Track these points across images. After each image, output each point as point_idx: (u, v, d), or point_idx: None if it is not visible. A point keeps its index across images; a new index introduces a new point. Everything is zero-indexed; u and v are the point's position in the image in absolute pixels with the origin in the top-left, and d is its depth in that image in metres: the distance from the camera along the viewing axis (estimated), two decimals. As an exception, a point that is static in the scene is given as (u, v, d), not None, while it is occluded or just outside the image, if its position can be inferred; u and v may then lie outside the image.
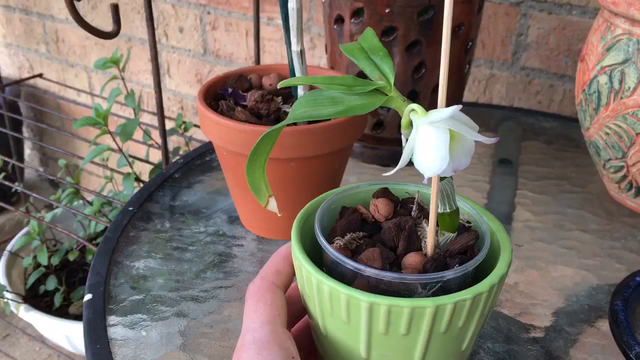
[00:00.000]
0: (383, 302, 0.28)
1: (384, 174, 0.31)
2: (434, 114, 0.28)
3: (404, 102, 0.31)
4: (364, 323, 0.29)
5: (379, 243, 0.32)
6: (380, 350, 0.30)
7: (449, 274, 0.29)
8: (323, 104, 0.31)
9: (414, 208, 0.34)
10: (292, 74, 0.51)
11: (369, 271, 0.29)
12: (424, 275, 0.29)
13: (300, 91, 0.52)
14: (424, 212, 0.34)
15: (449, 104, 0.28)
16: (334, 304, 0.29)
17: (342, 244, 0.31)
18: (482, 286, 0.29)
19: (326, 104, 0.31)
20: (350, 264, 0.29)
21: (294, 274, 0.34)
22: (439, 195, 0.31)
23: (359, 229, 0.33)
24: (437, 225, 0.32)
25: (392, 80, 0.31)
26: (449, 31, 0.28)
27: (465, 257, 0.32)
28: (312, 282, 0.30)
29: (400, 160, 0.29)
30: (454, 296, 0.28)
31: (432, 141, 0.28)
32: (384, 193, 0.35)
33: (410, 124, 0.30)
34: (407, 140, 0.31)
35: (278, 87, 0.32)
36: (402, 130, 0.31)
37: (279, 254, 0.35)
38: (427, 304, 0.28)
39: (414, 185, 0.36)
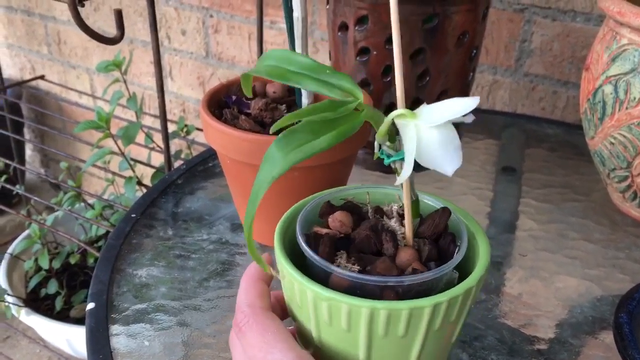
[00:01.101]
0: (427, 304, 0.29)
1: (396, 183, 0.31)
2: (429, 114, 0.29)
3: (374, 112, 0.31)
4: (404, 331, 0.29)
5: (359, 253, 0.32)
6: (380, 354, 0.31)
7: (458, 257, 0.31)
8: (306, 139, 0.29)
9: (369, 210, 0.35)
10: (296, 83, 0.51)
11: (410, 279, 0.29)
12: (446, 265, 0.31)
13: (305, 99, 0.52)
14: (376, 211, 0.35)
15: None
16: (377, 323, 0.29)
17: (358, 267, 0.31)
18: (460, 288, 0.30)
19: (308, 137, 0.29)
20: (391, 280, 0.29)
21: (268, 291, 0.34)
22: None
23: (337, 248, 0.33)
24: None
25: (360, 95, 0.31)
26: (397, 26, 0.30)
27: (447, 233, 0.34)
28: (338, 308, 0.29)
29: (406, 167, 0.29)
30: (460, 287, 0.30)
31: (442, 139, 0.28)
32: (332, 207, 0.35)
33: (389, 131, 0.31)
34: (385, 148, 0.32)
35: (270, 133, 0.31)
36: (379, 138, 0.31)
37: (253, 276, 0.34)
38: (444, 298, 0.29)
39: (355, 188, 0.37)
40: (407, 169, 0.29)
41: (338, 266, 0.31)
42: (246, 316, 0.32)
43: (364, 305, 0.28)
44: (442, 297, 0.29)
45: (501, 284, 0.51)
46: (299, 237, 0.32)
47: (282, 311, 0.36)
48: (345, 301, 0.29)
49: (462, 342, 0.45)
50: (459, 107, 0.28)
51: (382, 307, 0.28)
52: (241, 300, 0.33)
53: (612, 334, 0.45)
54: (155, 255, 0.54)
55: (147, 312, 0.48)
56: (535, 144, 0.76)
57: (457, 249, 0.33)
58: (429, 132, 0.28)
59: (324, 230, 0.33)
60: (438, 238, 0.33)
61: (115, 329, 0.46)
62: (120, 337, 0.45)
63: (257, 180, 0.29)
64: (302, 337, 0.34)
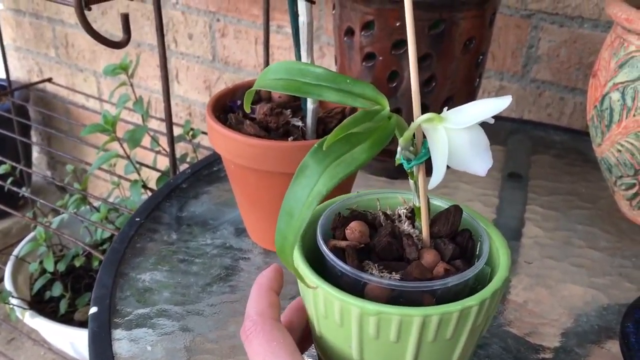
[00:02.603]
0: (475, 303, 0.29)
1: (429, 187, 0.30)
2: (458, 117, 0.29)
3: (399, 118, 0.30)
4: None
5: (383, 261, 0.32)
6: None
7: (486, 250, 0.32)
8: (343, 150, 0.28)
9: (381, 216, 0.34)
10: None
11: (453, 280, 0.29)
12: (481, 260, 0.31)
13: (310, 104, 0.52)
14: (386, 216, 0.35)
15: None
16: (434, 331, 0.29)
17: (398, 276, 0.30)
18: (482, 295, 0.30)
19: (345, 147, 0.28)
20: (436, 283, 0.29)
21: (278, 301, 0.34)
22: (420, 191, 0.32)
23: (359, 259, 0.32)
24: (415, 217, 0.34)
25: (386, 102, 0.30)
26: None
27: (463, 230, 0.34)
28: (388, 320, 0.28)
29: (439, 170, 0.29)
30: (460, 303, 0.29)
31: (472, 140, 0.29)
32: (343, 218, 0.34)
33: (414, 136, 0.31)
34: (405, 152, 0.31)
35: (324, 148, 0.28)
36: (403, 143, 0.31)
37: (264, 286, 0.34)
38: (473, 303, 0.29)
39: (363, 195, 0.37)
40: (440, 172, 0.29)
41: (373, 276, 0.30)
42: (254, 324, 0.31)
43: (416, 314, 0.28)
44: (487, 293, 0.29)
45: (506, 292, 0.51)
46: (327, 252, 0.31)
47: (300, 320, 0.36)
48: (397, 312, 0.28)
49: (466, 350, 0.45)
50: (490, 107, 0.28)
51: (435, 312, 0.28)
52: (251, 308, 0.33)
53: (619, 344, 0.45)
54: (159, 259, 0.54)
55: (149, 317, 0.48)
56: (541, 151, 0.75)
57: (478, 244, 0.33)
58: (459, 135, 0.28)
59: (344, 243, 0.32)
60: (455, 236, 0.33)
61: (117, 333, 0.46)
62: (122, 342, 0.45)
63: (293, 196, 0.28)
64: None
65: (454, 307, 0.28)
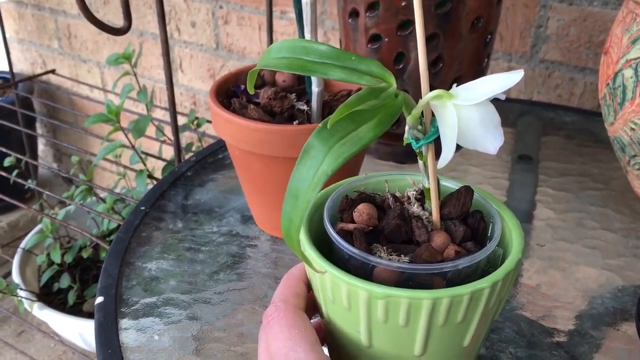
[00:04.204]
0: (486, 285, 0.28)
1: (439, 166, 0.30)
2: (468, 93, 0.28)
3: (407, 96, 0.30)
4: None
5: (392, 244, 0.31)
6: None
7: (498, 232, 0.31)
8: (348, 129, 0.28)
9: (390, 198, 0.34)
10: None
11: (464, 261, 0.29)
12: (493, 241, 0.30)
13: (315, 87, 0.50)
14: (395, 198, 0.34)
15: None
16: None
17: (407, 259, 0.30)
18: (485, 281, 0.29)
19: (350, 126, 0.28)
20: (447, 266, 0.28)
21: (308, 295, 0.33)
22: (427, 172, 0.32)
23: (367, 242, 0.31)
24: (424, 198, 0.33)
25: (393, 80, 0.30)
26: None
27: (474, 212, 0.33)
28: (397, 304, 0.28)
29: (448, 148, 0.28)
30: (470, 285, 0.28)
31: (482, 117, 0.28)
32: (351, 201, 0.34)
33: (422, 114, 0.30)
34: (413, 132, 0.30)
35: (329, 127, 0.27)
36: (411, 122, 0.30)
37: (294, 276, 0.33)
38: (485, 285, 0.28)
39: (371, 177, 0.36)
40: (449, 150, 0.28)
41: (382, 259, 0.29)
42: (277, 309, 0.31)
43: (425, 297, 0.27)
44: (499, 275, 0.29)
45: (519, 275, 0.50)
46: (335, 235, 0.30)
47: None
48: (406, 295, 0.27)
49: (479, 334, 0.44)
50: (501, 82, 0.27)
51: (445, 295, 0.27)
52: (276, 295, 0.32)
53: (635, 325, 0.44)
54: (164, 248, 0.54)
55: (156, 306, 0.47)
56: (552, 132, 0.74)
57: (489, 226, 0.32)
58: (468, 112, 0.27)
59: (352, 226, 0.31)
60: (465, 217, 0.33)
61: (124, 323, 0.45)
62: (129, 332, 0.44)
63: (298, 177, 0.27)
64: (343, 347, 0.32)
65: (465, 289, 0.28)
